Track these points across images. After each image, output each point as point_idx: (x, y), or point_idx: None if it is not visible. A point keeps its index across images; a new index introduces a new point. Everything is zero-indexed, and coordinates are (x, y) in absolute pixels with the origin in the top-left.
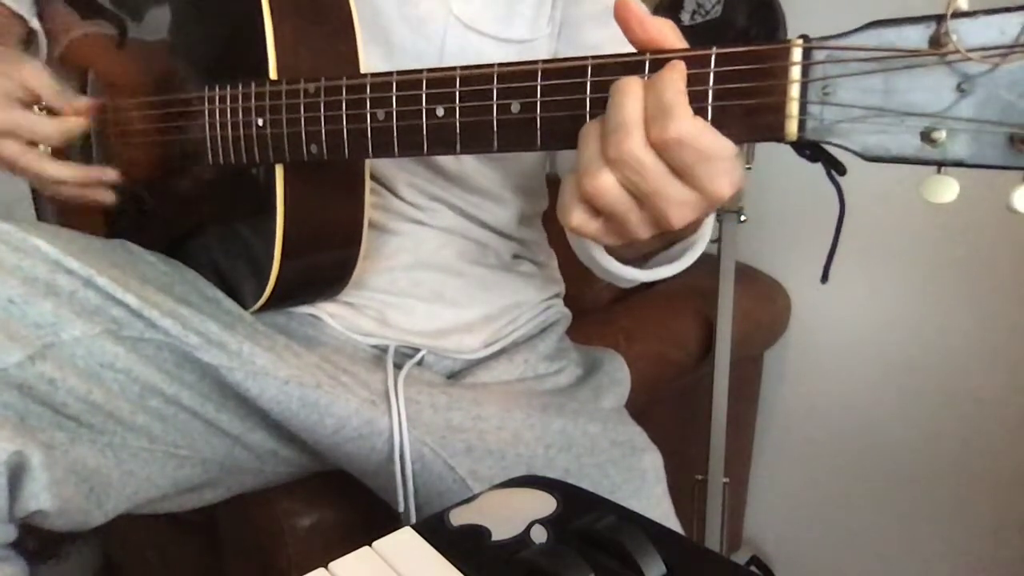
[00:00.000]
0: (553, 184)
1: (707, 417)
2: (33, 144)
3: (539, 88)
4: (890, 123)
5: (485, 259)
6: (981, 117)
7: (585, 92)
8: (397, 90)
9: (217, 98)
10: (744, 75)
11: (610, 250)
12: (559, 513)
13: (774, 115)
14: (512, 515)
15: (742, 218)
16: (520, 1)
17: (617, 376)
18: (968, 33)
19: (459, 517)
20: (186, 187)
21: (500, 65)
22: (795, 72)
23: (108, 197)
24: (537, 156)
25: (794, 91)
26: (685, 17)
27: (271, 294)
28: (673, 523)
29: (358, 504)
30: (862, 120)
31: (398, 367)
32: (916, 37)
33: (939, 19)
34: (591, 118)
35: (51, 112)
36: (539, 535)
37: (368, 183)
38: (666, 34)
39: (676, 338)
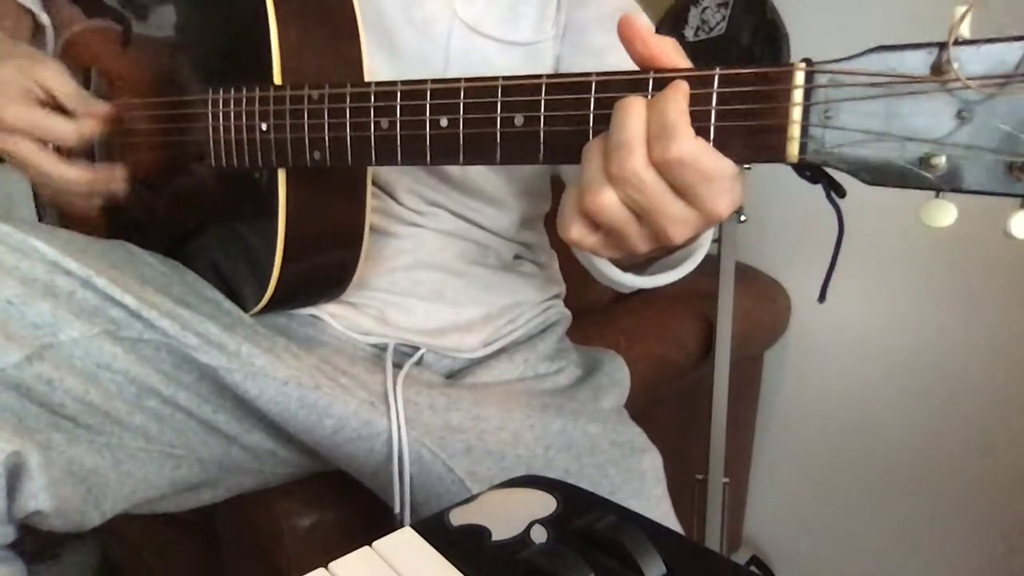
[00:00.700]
0: (556, 185)
1: (707, 417)
2: (45, 144)
3: (543, 102)
4: (890, 148)
5: (486, 259)
6: (980, 144)
7: (589, 108)
8: (401, 99)
9: (221, 101)
10: (747, 96)
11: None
12: (559, 513)
13: (776, 137)
14: (512, 515)
15: (742, 218)
16: (524, 3)
17: (617, 376)
18: (969, 61)
19: (459, 517)
20: (187, 189)
21: (504, 78)
22: (798, 95)
23: (121, 191)
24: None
25: (796, 114)
26: (689, 33)
27: (271, 297)
28: (673, 523)
29: (358, 504)
30: (863, 144)
31: (398, 367)
32: (918, 63)
33: (941, 46)
34: (594, 134)
35: (65, 112)
36: (539, 535)
37: (370, 187)
38: (668, 52)
39: (676, 338)
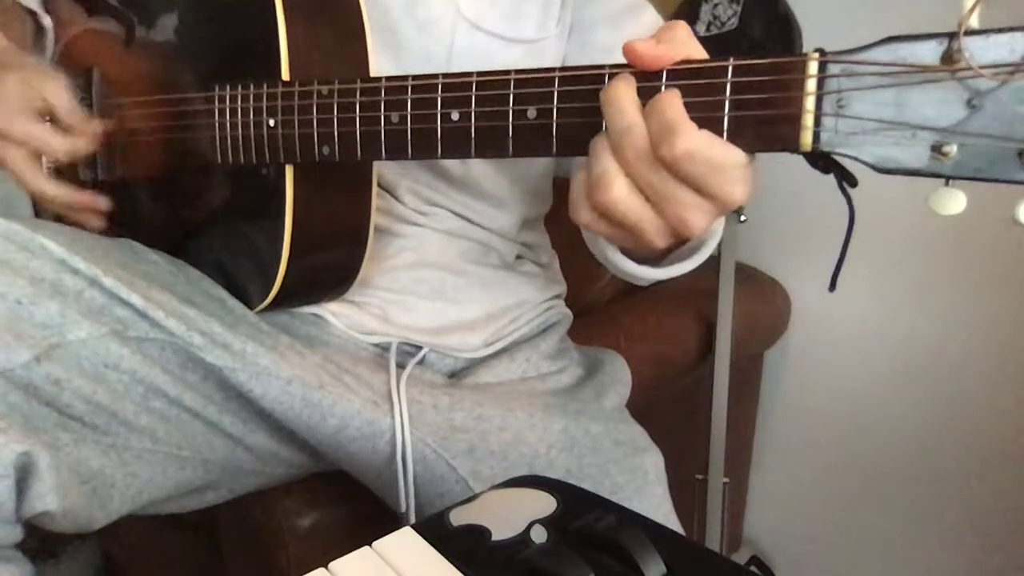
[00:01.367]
0: (559, 186)
1: (707, 417)
2: (37, 157)
3: (556, 94)
4: (902, 136)
5: (487, 259)
6: (990, 132)
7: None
8: (412, 93)
9: (228, 98)
10: (760, 86)
11: (624, 250)
12: (559, 513)
13: (789, 126)
14: (512, 515)
15: (742, 218)
16: (527, 1)
17: (618, 376)
18: (979, 50)
19: (459, 517)
20: (192, 186)
21: (517, 71)
22: (811, 85)
23: (96, 224)
24: (547, 161)
25: (809, 103)
26: (700, 28)
27: (277, 294)
28: (674, 523)
29: (358, 504)
30: (875, 133)
31: (400, 366)
32: (929, 53)
33: (952, 36)
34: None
35: (61, 126)
36: (539, 535)
37: (375, 185)
38: (678, 51)
39: (676, 338)
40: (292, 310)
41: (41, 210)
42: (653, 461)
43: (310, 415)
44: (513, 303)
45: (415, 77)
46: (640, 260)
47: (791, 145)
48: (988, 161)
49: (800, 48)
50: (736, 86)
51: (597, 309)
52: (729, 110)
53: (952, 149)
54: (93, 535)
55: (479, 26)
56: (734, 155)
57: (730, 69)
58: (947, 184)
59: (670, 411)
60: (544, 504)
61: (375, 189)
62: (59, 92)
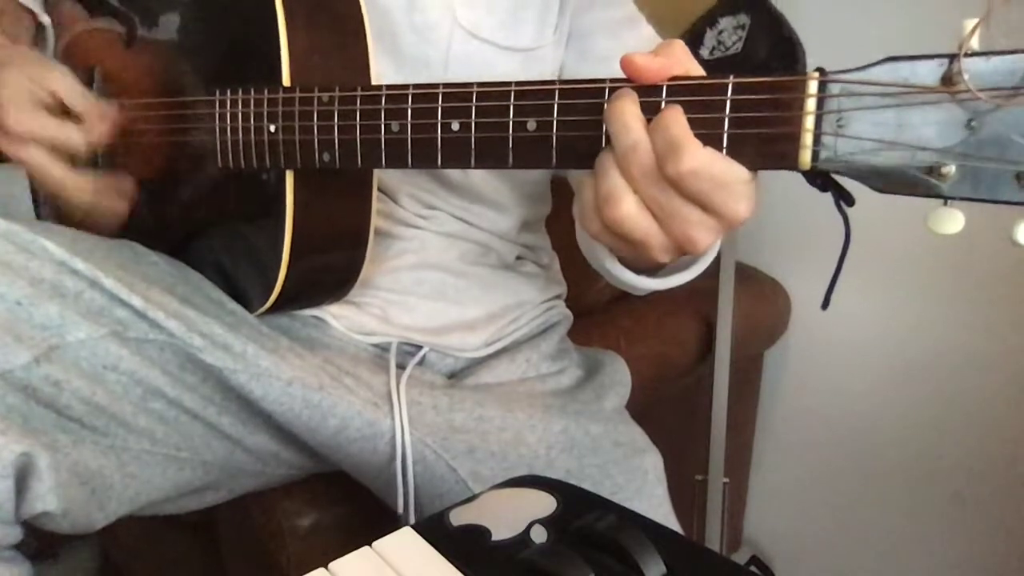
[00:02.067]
0: (557, 189)
1: (707, 417)
2: (55, 152)
3: (556, 107)
4: (901, 156)
5: (487, 259)
6: (989, 154)
7: (602, 113)
8: (412, 103)
9: (228, 102)
10: (760, 105)
11: (623, 261)
12: (559, 513)
13: (789, 145)
14: (512, 515)
15: None
16: (524, 9)
17: (618, 377)
18: (980, 72)
19: (459, 517)
20: (192, 190)
21: (517, 83)
22: (811, 104)
23: (121, 209)
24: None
25: (809, 123)
26: (704, 52)
27: (277, 298)
28: (673, 524)
29: (358, 504)
30: (874, 152)
31: (401, 367)
32: (929, 74)
33: (952, 58)
34: (607, 140)
35: (74, 119)
36: (539, 535)
37: (376, 188)
38: (674, 67)
39: (676, 338)
40: (292, 312)
41: (41, 209)
42: (653, 462)
43: (310, 416)
44: (513, 303)
45: (416, 86)
46: (638, 271)
47: (791, 164)
48: (986, 182)
49: (803, 67)
50: (736, 104)
51: (597, 309)
52: (729, 127)
53: (951, 170)
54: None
55: (475, 34)
56: (738, 172)
57: (730, 87)
58: (946, 204)
59: (670, 411)
60: (544, 504)
61: (375, 193)
62: (65, 82)
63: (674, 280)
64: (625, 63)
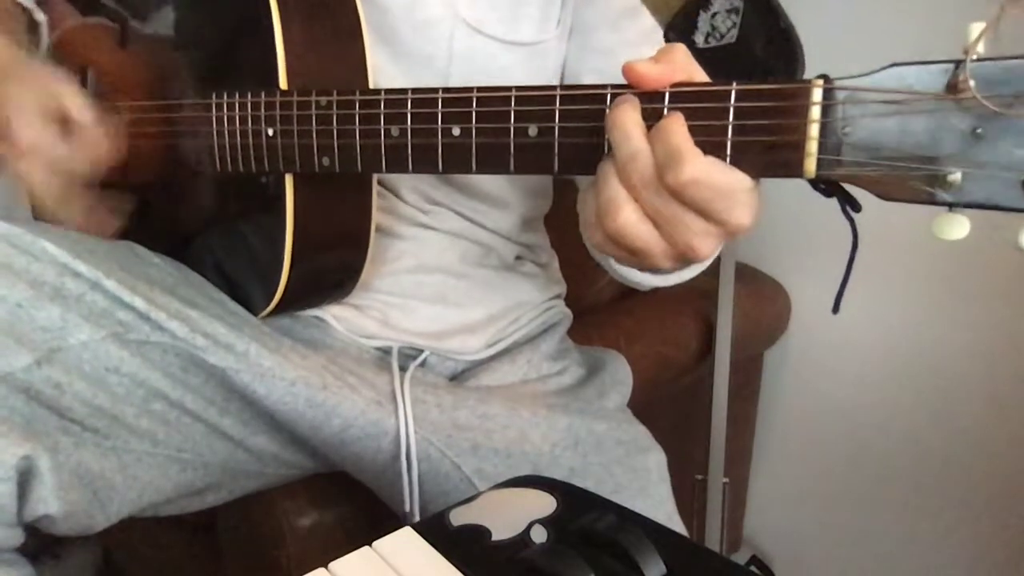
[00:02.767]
0: (558, 185)
1: (707, 417)
2: (54, 167)
3: (557, 113)
4: (906, 164)
5: (488, 260)
6: (995, 161)
7: (604, 120)
8: (412, 107)
9: (225, 105)
10: (764, 112)
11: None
12: (559, 513)
13: (793, 153)
14: (512, 515)
15: None
16: (526, 4)
17: (620, 376)
18: (985, 78)
19: (459, 517)
20: (192, 193)
21: (518, 88)
22: (815, 112)
23: (112, 227)
24: None
25: (814, 130)
26: (699, 39)
27: (280, 300)
28: (677, 523)
29: (358, 504)
30: (879, 160)
31: (402, 369)
32: (934, 81)
33: (957, 64)
34: (610, 147)
35: (80, 137)
36: (539, 535)
37: (376, 189)
38: (677, 72)
39: (676, 338)
40: (295, 314)
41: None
42: (656, 461)
43: (314, 416)
44: (514, 304)
45: (415, 90)
46: (643, 269)
47: (795, 172)
48: (991, 190)
49: (801, 64)
50: (739, 111)
51: (597, 309)
52: (732, 135)
53: (956, 177)
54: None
55: (479, 29)
56: (739, 181)
57: (733, 94)
58: (950, 210)
59: (670, 411)
60: (544, 504)
61: (375, 193)
62: (78, 100)
63: (676, 277)
64: (627, 70)
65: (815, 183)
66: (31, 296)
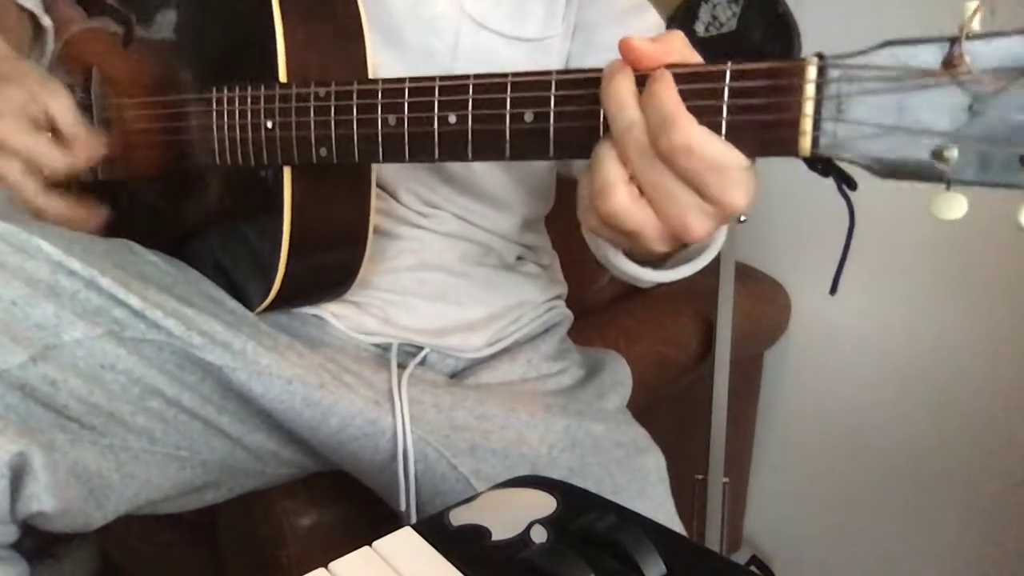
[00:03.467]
0: (561, 187)
1: (707, 417)
2: (36, 170)
3: (552, 98)
4: (902, 141)
5: (488, 260)
6: (992, 137)
7: (599, 103)
8: (409, 96)
9: (225, 99)
10: (758, 91)
11: (627, 253)
12: (559, 513)
13: (788, 131)
14: (512, 515)
15: (742, 218)
16: (531, 0)
17: (619, 377)
18: (981, 54)
19: (459, 517)
20: (191, 187)
21: (514, 74)
22: (810, 89)
23: (94, 230)
24: (548, 162)
25: (808, 108)
26: (700, 28)
27: (276, 295)
28: (676, 525)
29: (358, 504)
30: (875, 137)
31: (401, 367)
32: (930, 57)
33: (953, 40)
34: (606, 130)
35: (63, 140)
36: (539, 535)
37: (375, 185)
38: (673, 54)
39: (676, 338)
40: (292, 311)
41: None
42: (655, 462)
43: (311, 415)
44: (514, 303)
45: (412, 79)
46: (642, 263)
47: (790, 150)
48: (990, 166)
49: (799, 51)
50: (734, 90)
51: (597, 310)
52: (727, 114)
53: (953, 154)
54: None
55: (484, 25)
56: (733, 155)
57: (728, 73)
58: (948, 189)
59: (670, 411)
60: (544, 504)
61: (374, 189)
62: (62, 104)
63: (677, 273)
64: (624, 46)
65: (811, 162)
66: (26, 294)
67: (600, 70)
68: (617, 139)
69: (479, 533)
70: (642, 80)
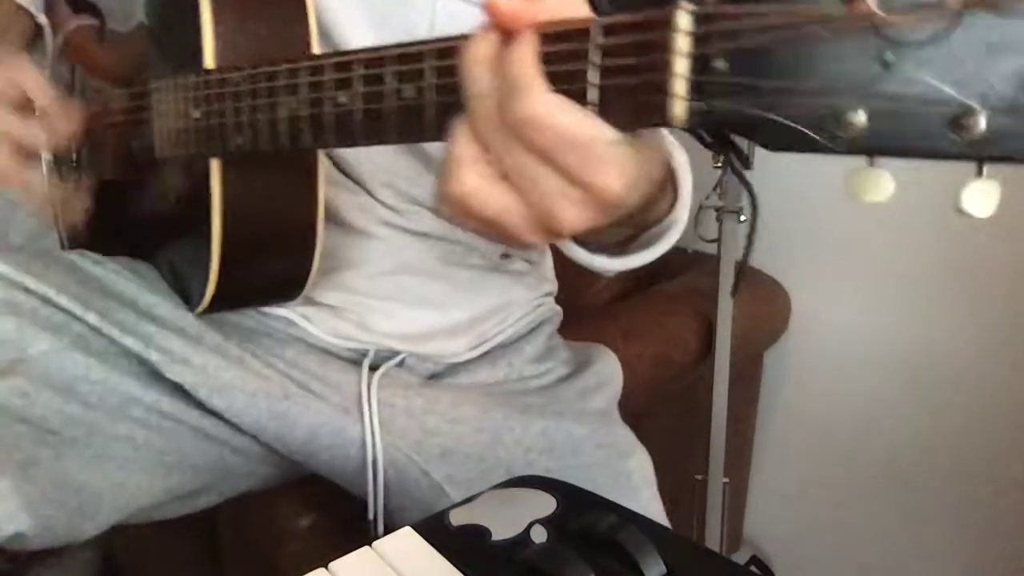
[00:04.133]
0: None
1: (707, 417)
2: (21, 151)
3: (432, 70)
4: (799, 104)
5: (470, 260)
6: (910, 95)
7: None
8: (309, 76)
9: (161, 90)
10: (628, 49)
11: (577, 240)
12: (559, 513)
13: (658, 95)
14: (512, 515)
15: (742, 218)
16: None
17: (605, 376)
18: None
19: (459, 517)
20: (146, 184)
21: (395, 45)
22: (682, 43)
23: (73, 217)
24: None
25: (680, 66)
26: None
27: (213, 298)
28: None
29: (358, 504)
30: (766, 101)
31: (374, 368)
32: None
33: None
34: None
35: (42, 115)
36: (539, 535)
37: (323, 182)
38: (544, 11)
39: (676, 338)
40: (263, 312)
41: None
42: (638, 464)
43: (278, 427)
44: (499, 304)
45: (310, 57)
46: (593, 251)
47: (663, 118)
48: (910, 131)
49: None
50: (604, 48)
51: (596, 309)
52: (597, 79)
53: (861, 118)
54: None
55: None
56: (592, 127)
57: (595, 29)
58: (872, 164)
59: (670, 411)
60: (544, 504)
61: (322, 186)
62: (29, 75)
63: (635, 260)
64: (488, 6)
65: (694, 133)
66: None
67: (462, 37)
68: (469, 112)
69: (479, 533)
70: (507, 42)
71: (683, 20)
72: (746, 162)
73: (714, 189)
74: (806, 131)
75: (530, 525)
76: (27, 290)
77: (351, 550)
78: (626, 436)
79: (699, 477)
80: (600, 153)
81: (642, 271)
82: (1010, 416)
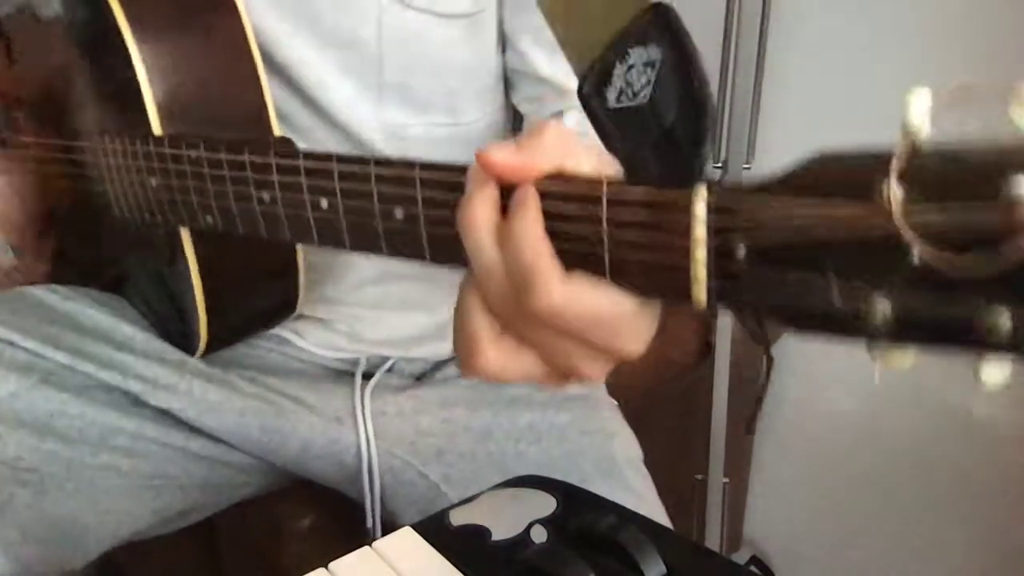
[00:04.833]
0: None
1: (707, 417)
2: None
3: (420, 198)
4: (824, 290)
5: None
6: (935, 302)
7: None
8: (278, 174)
9: (110, 150)
10: (640, 224)
11: None
12: (559, 513)
13: (676, 277)
14: (512, 515)
15: None
16: None
17: None
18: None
19: (459, 517)
20: (112, 232)
21: (376, 160)
22: (699, 230)
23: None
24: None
25: (699, 253)
26: (611, 96)
27: (209, 341)
28: (651, 501)
29: (357, 504)
30: (792, 289)
31: (367, 376)
32: (862, 180)
33: (883, 162)
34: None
35: None
36: (539, 535)
37: None
38: (542, 163)
39: (676, 338)
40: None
41: None
42: (621, 444)
43: (270, 440)
44: None
45: (279, 154)
46: None
47: (683, 300)
48: (936, 324)
49: (713, 140)
50: (613, 217)
51: None
52: (609, 246)
53: (886, 308)
54: None
55: (408, 3)
56: (615, 305)
57: (605, 195)
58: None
59: (670, 411)
60: (544, 504)
61: None
62: None
63: None
64: (480, 160)
65: (714, 311)
66: None
67: (464, 167)
68: (479, 284)
69: (479, 533)
70: (506, 193)
71: (699, 206)
72: (767, 344)
73: None
74: (838, 320)
75: (530, 525)
76: None
77: (351, 550)
78: (610, 418)
79: (699, 477)
80: (622, 326)
81: None
82: (1011, 416)
